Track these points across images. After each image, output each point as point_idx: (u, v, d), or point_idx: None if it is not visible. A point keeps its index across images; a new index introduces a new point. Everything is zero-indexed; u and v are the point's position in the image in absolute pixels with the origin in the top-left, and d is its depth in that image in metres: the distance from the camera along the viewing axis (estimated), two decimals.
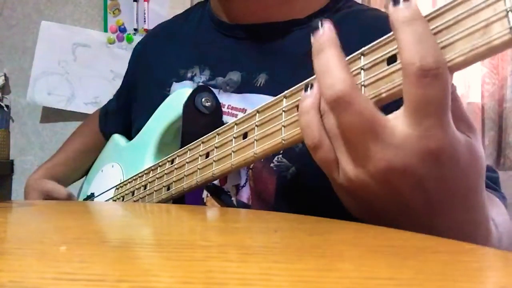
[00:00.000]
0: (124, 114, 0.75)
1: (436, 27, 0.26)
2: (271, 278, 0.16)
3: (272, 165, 0.51)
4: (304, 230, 0.28)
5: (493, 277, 0.17)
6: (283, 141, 0.35)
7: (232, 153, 0.40)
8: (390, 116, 0.28)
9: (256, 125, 0.38)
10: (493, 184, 0.48)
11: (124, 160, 0.66)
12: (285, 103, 0.36)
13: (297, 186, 0.50)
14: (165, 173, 0.50)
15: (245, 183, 0.53)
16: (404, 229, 0.30)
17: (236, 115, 0.54)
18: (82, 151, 0.81)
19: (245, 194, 0.53)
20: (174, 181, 0.48)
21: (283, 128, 0.35)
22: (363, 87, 0.29)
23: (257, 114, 0.38)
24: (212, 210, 0.46)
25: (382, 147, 0.27)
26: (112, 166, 0.69)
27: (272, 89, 0.53)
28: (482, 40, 0.24)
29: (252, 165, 0.52)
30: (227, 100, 0.56)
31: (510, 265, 0.18)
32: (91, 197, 0.71)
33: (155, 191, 0.51)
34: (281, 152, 0.51)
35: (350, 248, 0.22)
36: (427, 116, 0.26)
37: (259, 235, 0.27)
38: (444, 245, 0.23)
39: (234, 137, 0.40)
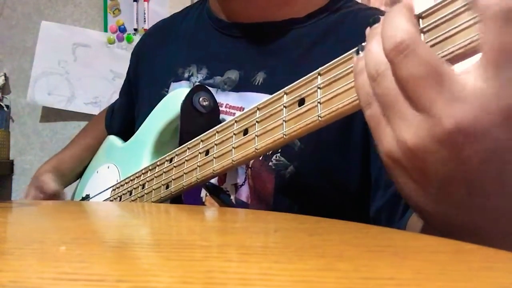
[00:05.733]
0: (127, 112, 0.75)
1: (436, 20, 0.26)
2: (271, 278, 0.16)
3: (270, 163, 0.51)
4: (304, 230, 0.28)
5: (493, 277, 0.17)
6: (284, 136, 0.36)
7: (233, 149, 0.40)
8: (460, 71, 0.23)
9: (257, 121, 0.38)
10: None
11: (121, 160, 0.66)
12: (285, 99, 0.36)
13: (296, 184, 0.50)
14: (164, 172, 0.50)
15: (244, 182, 0.53)
16: (469, 215, 0.25)
17: (234, 114, 0.55)
18: (90, 148, 0.81)
19: (244, 193, 0.53)
20: (173, 179, 0.48)
21: (284, 123, 0.36)
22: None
23: (258, 111, 0.39)
24: (212, 210, 0.46)
25: (450, 102, 0.23)
26: (108, 167, 0.69)
27: (270, 87, 0.53)
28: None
29: (250, 164, 0.52)
30: (225, 99, 0.56)
31: (510, 265, 0.18)
32: (86, 198, 0.71)
33: (154, 189, 0.51)
34: (280, 151, 0.51)
35: (350, 248, 0.22)
36: (508, 67, 0.22)
37: (259, 235, 0.27)
38: (444, 245, 0.23)
39: (235, 134, 0.41)
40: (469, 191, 0.25)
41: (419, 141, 0.24)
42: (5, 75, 1.66)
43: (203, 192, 0.55)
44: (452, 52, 0.25)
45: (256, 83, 0.55)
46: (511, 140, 0.23)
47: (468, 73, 0.23)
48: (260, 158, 0.52)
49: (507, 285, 0.16)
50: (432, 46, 0.25)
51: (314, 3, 0.57)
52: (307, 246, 0.22)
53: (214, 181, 0.54)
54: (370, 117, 0.27)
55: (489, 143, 0.23)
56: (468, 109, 0.22)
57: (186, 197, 0.54)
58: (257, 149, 0.38)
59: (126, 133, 0.73)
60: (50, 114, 1.66)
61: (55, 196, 0.74)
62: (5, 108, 1.65)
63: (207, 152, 0.44)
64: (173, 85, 0.62)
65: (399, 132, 0.25)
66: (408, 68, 0.24)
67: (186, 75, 0.61)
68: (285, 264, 0.18)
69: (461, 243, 0.22)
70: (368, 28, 0.28)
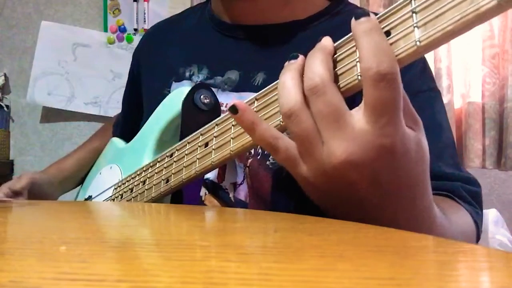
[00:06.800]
0: (131, 117, 0.74)
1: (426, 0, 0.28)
2: (271, 278, 0.16)
3: (268, 163, 0.51)
4: (304, 230, 0.28)
5: (493, 277, 0.17)
6: (281, 123, 0.36)
7: (231, 139, 0.40)
8: (353, 111, 0.30)
9: (255, 111, 0.38)
10: (472, 199, 0.48)
11: (123, 161, 0.66)
12: None
13: (293, 183, 0.51)
14: (164, 167, 0.50)
15: (242, 181, 0.53)
16: (355, 220, 0.32)
17: None
18: (95, 151, 0.81)
19: (242, 192, 0.53)
20: (173, 173, 0.48)
21: None
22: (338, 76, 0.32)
23: (255, 101, 0.39)
24: (212, 210, 0.46)
25: (344, 139, 0.30)
26: (111, 168, 0.69)
27: None
28: (470, 7, 0.26)
29: (249, 163, 0.52)
30: (225, 99, 0.56)
31: (510, 265, 0.18)
32: (89, 199, 0.71)
33: (154, 185, 0.51)
34: None
35: (350, 248, 0.22)
36: (383, 115, 0.29)
37: (259, 235, 0.27)
38: (444, 245, 0.23)
39: (233, 125, 0.41)
40: (355, 204, 0.32)
41: (322, 169, 0.31)
42: (5, 75, 1.66)
43: (203, 191, 0.55)
44: (444, 28, 0.27)
45: (256, 84, 0.55)
46: (389, 167, 0.30)
47: (358, 115, 0.30)
48: (258, 157, 0.52)
49: (507, 285, 0.16)
50: (424, 24, 0.28)
51: (314, 5, 0.58)
52: (307, 246, 0.22)
53: (213, 179, 0.54)
54: (283, 161, 0.33)
55: (370, 172, 0.30)
56: (355, 147, 0.29)
57: (186, 195, 0.54)
58: None
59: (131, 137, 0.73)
60: (50, 114, 1.67)
61: (17, 195, 0.69)
62: (5, 108, 1.65)
63: (206, 145, 0.44)
64: (174, 84, 0.63)
65: (310, 165, 0.32)
66: (318, 107, 0.30)
67: (187, 74, 0.62)
68: (285, 264, 0.18)
69: (461, 243, 0.22)
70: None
